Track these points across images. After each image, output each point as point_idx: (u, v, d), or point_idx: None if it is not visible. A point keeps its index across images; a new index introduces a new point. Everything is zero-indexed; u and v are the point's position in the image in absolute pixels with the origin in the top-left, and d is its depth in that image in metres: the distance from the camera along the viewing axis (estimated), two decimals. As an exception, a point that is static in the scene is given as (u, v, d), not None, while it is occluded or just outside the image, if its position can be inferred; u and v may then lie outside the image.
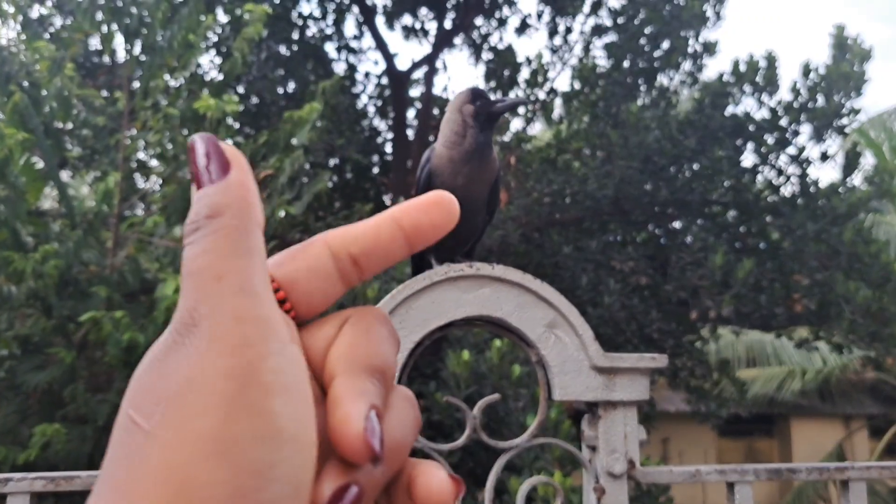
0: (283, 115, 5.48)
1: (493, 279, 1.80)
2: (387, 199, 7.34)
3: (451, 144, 2.03)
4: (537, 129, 9.88)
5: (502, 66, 7.69)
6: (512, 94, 7.53)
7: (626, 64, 7.30)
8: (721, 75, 6.97)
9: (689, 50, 7.22)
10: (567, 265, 6.92)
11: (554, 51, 7.69)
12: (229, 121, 5.50)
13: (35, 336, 4.93)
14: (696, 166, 6.85)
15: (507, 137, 7.60)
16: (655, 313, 6.87)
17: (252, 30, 5.34)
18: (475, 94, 2.06)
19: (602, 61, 7.51)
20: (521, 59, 7.53)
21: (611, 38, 7.43)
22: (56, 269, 4.56)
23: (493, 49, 7.82)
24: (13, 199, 4.63)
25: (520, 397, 5.69)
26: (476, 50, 7.84)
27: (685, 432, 11.89)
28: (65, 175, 6.89)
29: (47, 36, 5.96)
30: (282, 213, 5.63)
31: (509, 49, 7.65)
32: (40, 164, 5.20)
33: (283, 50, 7.14)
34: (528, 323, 1.82)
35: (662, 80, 7.34)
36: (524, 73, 7.63)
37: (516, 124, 7.62)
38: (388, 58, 7.70)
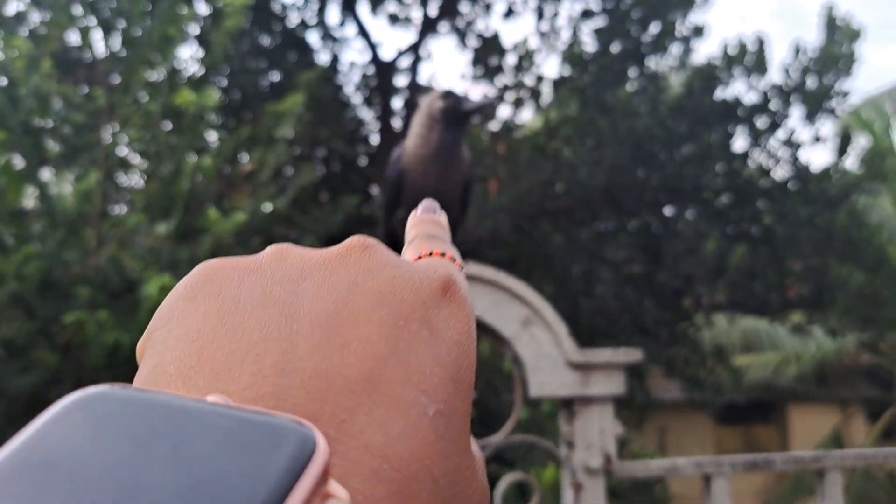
0: (265, 108, 5.40)
1: (466, 277, 1.73)
2: (373, 190, 7.27)
3: (420, 142, 2.08)
4: (526, 116, 9.82)
5: (488, 52, 7.60)
6: (498, 81, 7.48)
7: (614, 49, 7.21)
8: (710, 59, 6.89)
9: (678, 33, 7.14)
10: (558, 255, 6.86)
11: (541, 35, 7.60)
12: (212, 115, 5.41)
13: (19, 339, 4.86)
14: (686, 152, 6.78)
15: (495, 126, 7.52)
16: (649, 302, 6.82)
17: (232, 21, 5.25)
18: (446, 93, 2.08)
19: (590, 46, 7.42)
20: (507, 45, 7.44)
21: (598, 22, 7.33)
22: (38, 271, 4.49)
23: (479, 36, 7.73)
24: (-9, 200, 4.56)
25: (512, 391, 5.63)
26: (462, 37, 7.74)
27: (682, 421, 11.87)
28: (46, 174, 6.80)
29: (25, 32, 5.85)
30: (267, 208, 5.55)
31: (495, 36, 7.56)
32: (20, 164, 5.11)
33: (265, 41, 7.04)
34: (502, 320, 1.78)
35: (651, 64, 7.25)
36: (511, 60, 7.54)
37: (505, 112, 7.56)
38: (373, 46, 7.61)
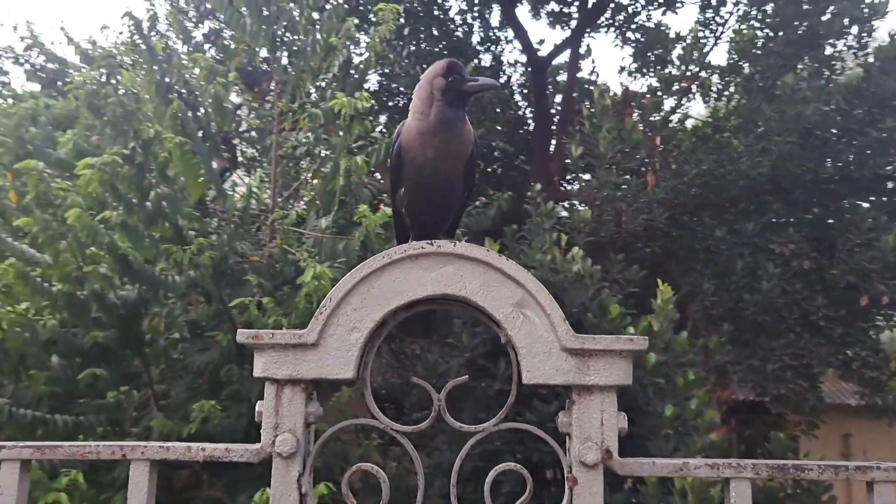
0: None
1: (457, 256, 1.80)
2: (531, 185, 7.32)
3: (419, 117, 2.02)
4: (692, 107, 9.44)
5: (651, 44, 7.43)
6: (662, 73, 7.29)
7: (784, 33, 6.80)
8: (894, 37, 6.31)
9: (856, 13, 6.60)
10: (720, 249, 6.61)
11: (706, 25, 7.31)
12: (366, 117, 5.74)
13: (202, 321, 5.43)
14: (864, 138, 6.28)
15: (652, 119, 7.35)
16: (821, 299, 6.41)
17: (384, 28, 5.56)
18: (449, 69, 2.03)
19: (758, 32, 7.05)
20: (671, 36, 7.23)
21: (768, 6, 6.93)
22: (211, 260, 4.97)
23: (640, 28, 7.57)
24: (173, 196, 5.13)
25: (658, 387, 5.52)
26: (621, 30, 7.63)
27: (869, 428, 10.84)
28: (236, 175, 7.57)
29: (213, 49, 6.52)
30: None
31: (658, 27, 7.37)
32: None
33: (426, 46, 7.33)
34: (494, 302, 1.80)
35: (826, 47, 6.77)
36: (675, 50, 7.31)
37: (669, 103, 7.34)
38: (528, 46, 7.69)
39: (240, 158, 7.31)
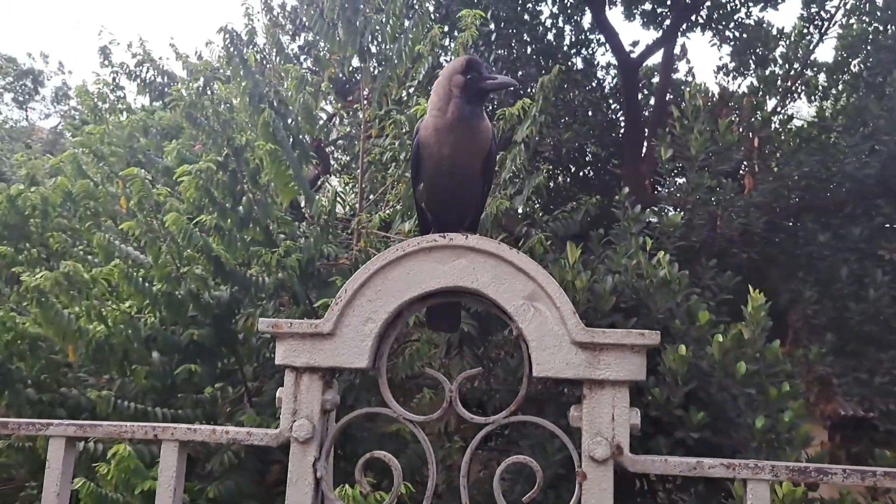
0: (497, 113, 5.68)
1: (468, 249, 1.81)
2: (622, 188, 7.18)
3: (436, 114, 2.05)
4: (798, 107, 9.03)
5: (751, 42, 7.15)
6: (762, 72, 6.99)
7: (894, 27, 6.42)
8: None
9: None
10: (824, 255, 6.28)
11: (810, 21, 6.97)
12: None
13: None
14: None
15: (749, 119, 7.06)
16: (936, 309, 5.99)
17: (467, 34, 5.62)
18: (469, 66, 2.04)
19: (867, 26, 6.67)
20: (773, 33, 6.94)
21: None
22: (297, 262, 5.13)
23: (739, 25, 7.30)
24: (264, 202, 5.34)
25: (750, 397, 5.27)
26: (718, 29, 7.37)
27: None
28: (333, 181, 7.81)
29: (308, 60, 6.74)
30: (502, 207, 5.80)
31: (759, 24, 7.08)
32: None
33: (516, 50, 7.31)
34: (505, 295, 1.80)
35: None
36: (779, 49, 7.01)
37: (771, 103, 7.04)
38: (619, 48, 7.55)
39: (334, 165, 7.56)
